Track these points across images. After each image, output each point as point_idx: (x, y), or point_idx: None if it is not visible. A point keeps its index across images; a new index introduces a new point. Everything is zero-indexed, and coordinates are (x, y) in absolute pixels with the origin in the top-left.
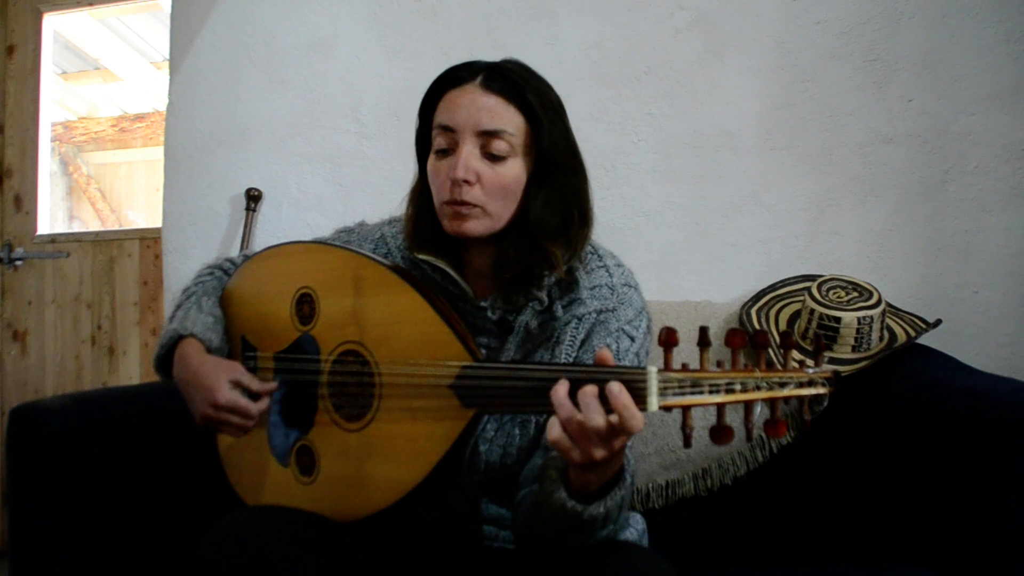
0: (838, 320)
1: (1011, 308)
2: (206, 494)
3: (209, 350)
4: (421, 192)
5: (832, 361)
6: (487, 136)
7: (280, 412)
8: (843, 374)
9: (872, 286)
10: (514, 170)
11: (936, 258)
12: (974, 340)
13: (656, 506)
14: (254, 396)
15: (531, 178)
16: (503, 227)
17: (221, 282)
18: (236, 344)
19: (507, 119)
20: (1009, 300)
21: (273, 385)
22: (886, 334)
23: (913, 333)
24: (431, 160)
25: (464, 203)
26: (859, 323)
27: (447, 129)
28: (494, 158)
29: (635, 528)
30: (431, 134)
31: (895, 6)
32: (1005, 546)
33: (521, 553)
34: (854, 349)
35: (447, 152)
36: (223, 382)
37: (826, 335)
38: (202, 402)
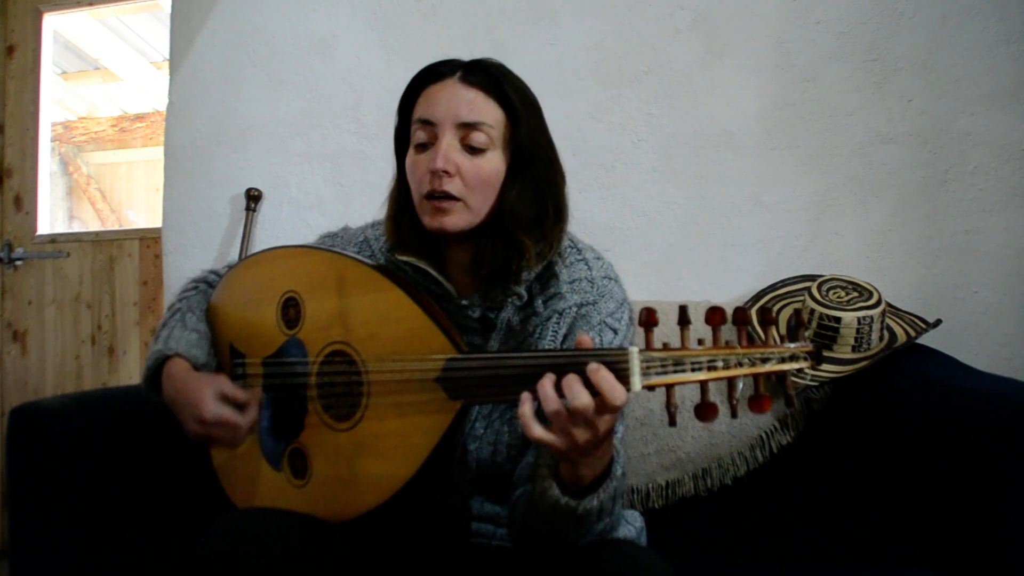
0: (838, 320)
1: (1011, 308)
2: (205, 495)
3: (195, 367)
4: (400, 190)
5: (832, 361)
6: (467, 128)
7: (270, 416)
8: (843, 374)
9: (872, 286)
10: (493, 163)
11: (936, 258)
12: (974, 340)
13: (656, 506)
14: (241, 406)
15: (508, 172)
16: (482, 222)
17: (205, 295)
18: (224, 352)
19: (486, 112)
20: (1009, 300)
21: (259, 393)
22: (886, 334)
23: (913, 333)
24: (410, 155)
25: (444, 195)
26: (859, 323)
27: (427, 123)
28: (473, 150)
29: (633, 526)
30: (410, 130)
31: (895, 6)
32: (1005, 546)
33: (519, 551)
34: (854, 349)
35: (426, 146)
36: (208, 397)
37: (826, 335)
38: (190, 419)
